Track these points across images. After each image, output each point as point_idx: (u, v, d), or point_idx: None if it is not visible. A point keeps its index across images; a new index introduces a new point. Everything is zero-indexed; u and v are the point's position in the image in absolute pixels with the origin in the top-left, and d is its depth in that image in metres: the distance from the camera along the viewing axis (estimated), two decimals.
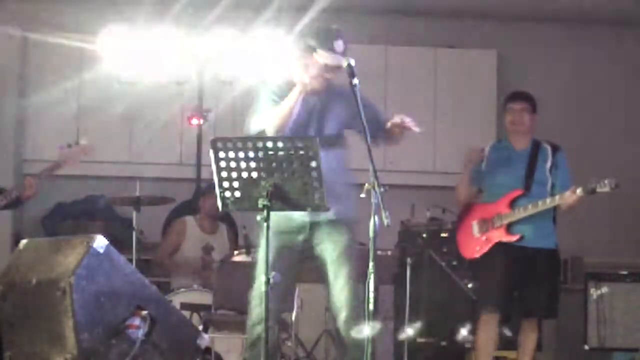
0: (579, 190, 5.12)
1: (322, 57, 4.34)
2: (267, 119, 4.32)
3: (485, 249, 5.41)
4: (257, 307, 4.31)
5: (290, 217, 4.32)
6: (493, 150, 5.56)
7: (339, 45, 4.34)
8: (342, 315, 4.33)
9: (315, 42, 4.36)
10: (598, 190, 5.07)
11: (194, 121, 7.81)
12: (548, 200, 5.25)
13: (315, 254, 4.45)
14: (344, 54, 4.33)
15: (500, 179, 5.43)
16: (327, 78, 4.40)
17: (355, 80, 4.16)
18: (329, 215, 4.26)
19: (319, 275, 4.53)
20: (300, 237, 4.42)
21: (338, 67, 4.30)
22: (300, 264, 4.55)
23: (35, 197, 5.69)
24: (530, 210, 5.27)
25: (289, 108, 4.29)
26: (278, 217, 4.13)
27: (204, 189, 7.03)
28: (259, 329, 4.25)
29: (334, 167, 4.28)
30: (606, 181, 5.05)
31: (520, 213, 5.31)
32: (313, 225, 4.40)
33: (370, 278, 3.88)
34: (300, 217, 4.35)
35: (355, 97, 4.15)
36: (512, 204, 5.34)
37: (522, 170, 5.40)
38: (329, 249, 4.39)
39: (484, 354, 5.39)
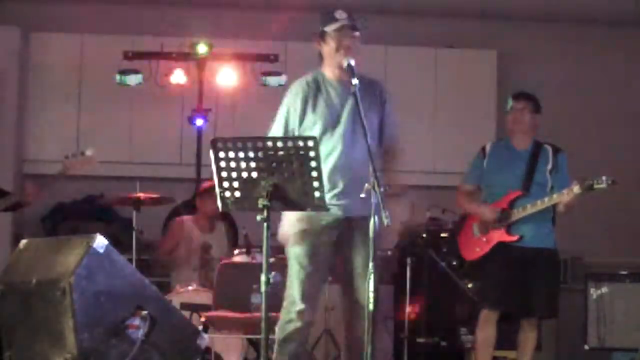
0: (576, 188, 5.12)
1: (330, 29, 4.40)
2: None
3: (486, 249, 5.42)
4: (292, 306, 4.30)
5: (324, 214, 4.26)
6: (494, 149, 5.56)
7: (340, 13, 4.42)
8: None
9: (321, 26, 4.43)
10: (595, 186, 5.08)
11: (194, 121, 7.81)
12: (546, 199, 5.26)
13: (344, 251, 4.39)
14: (350, 19, 4.42)
15: (500, 178, 5.43)
16: (349, 47, 4.40)
17: (355, 81, 4.17)
18: (362, 211, 4.19)
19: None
20: (335, 233, 4.36)
21: (349, 32, 4.39)
22: (333, 259, 4.47)
23: (36, 202, 5.69)
24: (529, 210, 5.28)
25: None
26: (311, 218, 4.23)
27: (201, 190, 7.04)
28: (291, 326, 4.29)
29: (363, 160, 4.24)
30: (603, 177, 5.06)
31: (519, 213, 5.32)
32: (346, 222, 4.36)
33: (370, 278, 3.88)
34: (334, 212, 4.29)
35: (355, 97, 4.15)
36: (512, 204, 5.35)
37: (522, 171, 5.40)
38: (361, 250, 4.32)
39: (484, 352, 5.40)
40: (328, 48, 4.42)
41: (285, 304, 4.32)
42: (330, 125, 4.37)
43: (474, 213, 5.52)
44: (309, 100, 4.40)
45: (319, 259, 4.34)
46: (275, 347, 4.34)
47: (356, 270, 4.35)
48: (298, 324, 4.31)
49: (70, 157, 5.56)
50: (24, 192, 5.54)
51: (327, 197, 4.12)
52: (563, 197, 5.18)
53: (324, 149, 4.28)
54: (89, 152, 5.58)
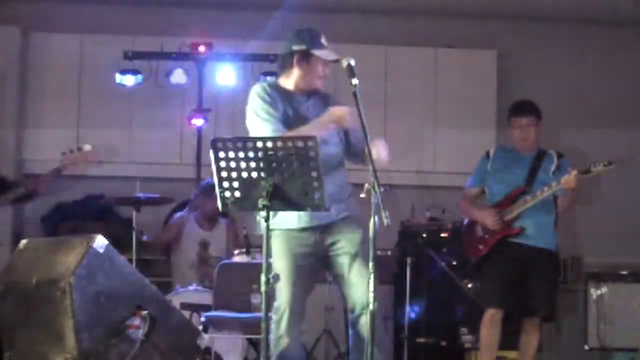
0: (573, 173, 5.14)
1: (323, 55, 4.37)
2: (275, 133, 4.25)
3: (489, 245, 5.43)
4: (281, 322, 4.28)
5: (300, 223, 4.28)
6: (498, 153, 5.61)
7: (324, 39, 4.41)
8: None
9: (306, 45, 4.39)
10: (592, 169, 5.11)
11: (194, 121, 7.82)
12: (545, 188, 5.28)
13: (330, 254, 4.37)
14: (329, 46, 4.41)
15: (503, 179, 5.46)
16: (325, 76, 4.43)
17: (355, 80, 4.16)
18: (337, 215, 4.28)
19: (318, 276, 4.49)
20: (312, 240, 4.35)
21: (336, 61, 4.31)
22: (316, 270, 4.47)
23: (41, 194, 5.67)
24: (530, 202, 5.30)
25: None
26: (288, 227, 4.24)
27: (203, 189, 7.04)
28: (283, 342, 4.27)
29: (334, 169, 4.31)
30: (599, 162, 5.08)
31: (520, 206, 5.33)
32: (324, 227, 4.35)
33: (370, 278, 3.87)
34: (310, 221, 4.29)
35: (355, 98, 4.14)
36: (515, 200, 5.37)
37: (525, 172, 5.43)
38: (346, 246, 4.33)
39: (489, 350, 5.40)
40: (306, 70, 4.40)
41: (275, 317, 4.28)
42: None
43: (475, 219, 5.54)
44: (276, 106, 4.36)
45: (302, 270, 4.32)
46: None
47: (344, 270, 4.35)
48: (287, 340, 4.28)
49: (68, 153, 5.54)
50: (36, 180, 5.48)
51: None
52: (563, 183, 5.20)
53: None
54: (86, 147, 5.55)
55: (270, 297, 3.85)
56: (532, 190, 5.36)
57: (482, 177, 5.58)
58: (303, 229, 4.33)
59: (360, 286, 4.24)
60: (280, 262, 4.31)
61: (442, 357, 6.83)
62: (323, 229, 4.35)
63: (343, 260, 4.34)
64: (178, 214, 7.27)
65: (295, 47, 4.40)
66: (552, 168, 5.45)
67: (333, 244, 4.36)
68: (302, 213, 4.24)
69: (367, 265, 4.04)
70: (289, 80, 4.46)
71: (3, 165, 7.95)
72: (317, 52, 4.38)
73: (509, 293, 5.35)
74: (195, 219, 7.06)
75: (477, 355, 6.38)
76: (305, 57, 4.40)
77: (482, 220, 5.46)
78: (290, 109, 4.38)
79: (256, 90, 4.42)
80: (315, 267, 4.43)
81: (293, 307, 4.29)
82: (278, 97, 4.38)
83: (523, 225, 5.36)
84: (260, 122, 4.32)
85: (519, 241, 5.38)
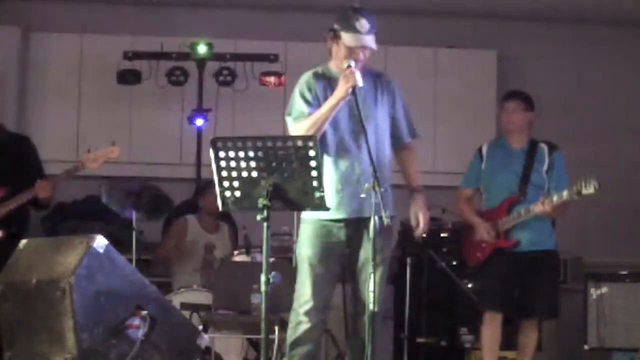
0: (565, 193, 5.10)
1: (346, 40, 4.28)
2: (300, 129, 4.23)
3: (486, 254, 5.43)
4: (300, 309, 4.29)
5: (334, 214, 4.26)
6: (491, 149, 5.57)
7: (361, 25, 4.25)
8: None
9: (338, 25, 4.30)
10: (583, 192, 5.05)
11: (194, 121, 7.81)
12: (523, 211, 5.27)
13: (352, 250, 4.36)
14: (369, 32, 4.27)
15: (499, 179, 5.44)
16: (358, 60, 4.29)
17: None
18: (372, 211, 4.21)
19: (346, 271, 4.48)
20: (343, 232, 4.34)
21: (363, 48, 4.26)
22: (343, 264, 4.43)
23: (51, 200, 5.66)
24: (523, 216, 5.29)
25: (323, 118, 4.24)
26: (320, 220, 4.24)
27: (202, 187, 7.03)
28: (302, 328, 4.27)
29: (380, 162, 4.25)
30: (592, 182, 5.02)
31: (514, 219, 5.32)
32: (356, 222, 4.33)
33: (370, 278, 3.87)
34: (344, 213, 4.28)
35: (355, 98, 4.15)
36: (509, 210, 5.36)
37: (519, 172, 5.39)
38: (368, 245, 4.24)
39: (490, 350, 5.40)
40: (338, 50, 4.33)
41: (294, 305, 4.31)
42: (341, 122, 4.35)
43: (471, 225, 5.52)
44: (319, 94, 4.35)
45: (329, 260, 4.33)
46: (287, 350, 4.32)
47: (360, 268, 4.34)
48: (307, 325, 4.28)
49: (93, 150, 5.56)
50: (34, 188, 5.48)
51: (338, 197, 4.14)
52: (552, 202, 5.17)
53: (334, 147, 4.32)
54: (113, 145, 5.60)
55: (270, 297, 3.84)
56: (527, 197, 5.32)
57: (476, 177, 5.56)
58: (336, 220, 4.31)
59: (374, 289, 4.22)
60: (308, 250, 4.32)
61: (442, 357, 6.83)
62: (356, 223, 4.33)
63: (361, 258, 4.33)
64: (176, 220, 7.18)
65: (334, 25, 4.31)
66: (545, 167, 5.41)
67: (360, 238, 4.33)
68: (337, 204, 4.20)
69: (382, 269, 4.04)
70: (332, 63, 4.41)
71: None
72: (343, 35, 4.28)
73: (507, 296, 5.35)
74: (199, 222, 7.00)
75: (477, 355, 6.39)
76: (336, 38, 4.32)
77: (477, 232, 5.45)
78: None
79: (299, 83, 4.40)
80: (343, 260, 4.39)
81: (315, 298, 4.27)
82: (321, 87, 4.33)
83: (519, 238, 5.34)
84: (290, 122, 4.34)
85: (516, 250, 5.37)
